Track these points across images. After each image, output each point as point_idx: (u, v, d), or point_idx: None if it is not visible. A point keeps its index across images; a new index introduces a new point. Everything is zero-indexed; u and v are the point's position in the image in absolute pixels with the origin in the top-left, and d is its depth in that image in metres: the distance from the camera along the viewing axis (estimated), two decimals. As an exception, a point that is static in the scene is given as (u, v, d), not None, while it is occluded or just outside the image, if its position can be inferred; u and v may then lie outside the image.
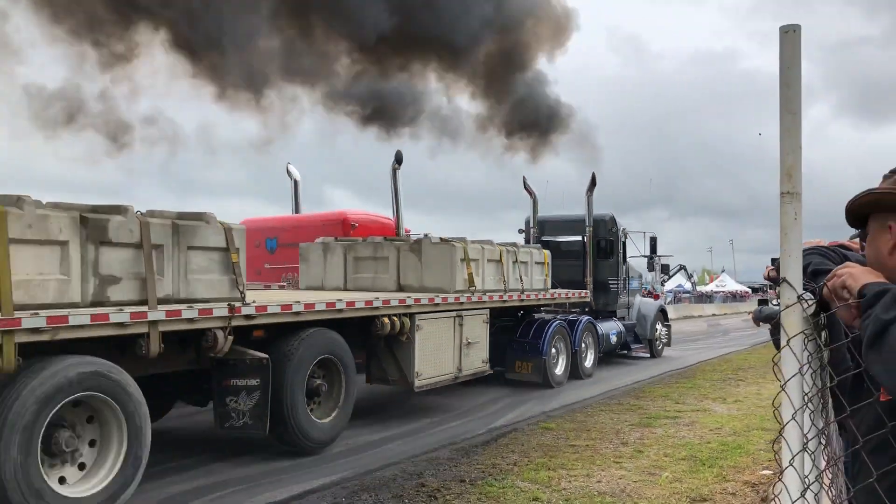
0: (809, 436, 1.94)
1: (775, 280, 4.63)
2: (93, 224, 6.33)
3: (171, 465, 8.02)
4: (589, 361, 15.52)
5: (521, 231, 18.03)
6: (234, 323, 7.38)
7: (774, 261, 4.94)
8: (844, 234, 3.24)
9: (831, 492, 2.14)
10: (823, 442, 2.11)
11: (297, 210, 16.86)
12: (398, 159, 13.05)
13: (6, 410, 5.48)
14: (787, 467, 1.92)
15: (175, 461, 8.18)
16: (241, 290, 7.53)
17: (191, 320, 6.95)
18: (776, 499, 2.05)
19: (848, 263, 2.00)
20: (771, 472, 7.45)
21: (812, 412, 1.96)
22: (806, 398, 1.93)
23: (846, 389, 2.03)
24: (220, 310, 7.21)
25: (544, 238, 17.20)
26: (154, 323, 6.60)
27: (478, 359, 11.74)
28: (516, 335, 13.99)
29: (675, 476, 7.38)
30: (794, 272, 2.00)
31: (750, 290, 67.24)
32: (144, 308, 6.56)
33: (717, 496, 6.75)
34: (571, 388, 13.99)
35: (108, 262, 6.46)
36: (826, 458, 2.15)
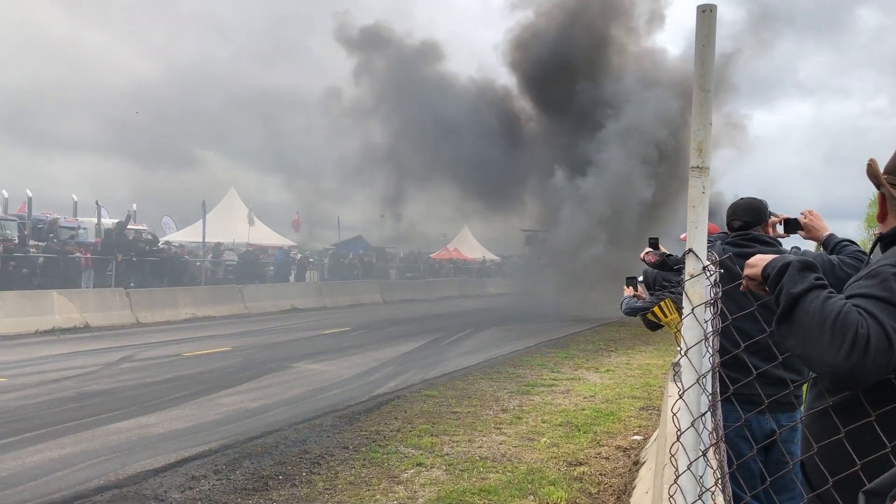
0: (710, 399, 2.03)
1: (653, 264, 4.71)
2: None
3: (37, 432, 7.57)
4: None
5: None
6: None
7: (652, 241, 4.90)
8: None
9: (717, 455, 2.26)
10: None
11: None
12: None
13: None
14: (687, 428, 2.01)
15: (42, 429, 7.73)
16: None
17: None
18: (672, 458, 2.15)
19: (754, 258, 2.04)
20: (641, 437, 7.86)
21: (712, 375, 2.05)
22: (711, 361, 2.02)
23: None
24: None
25: None
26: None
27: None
28: None
29: (553, 441, 7.65)
30: (699, 243, 2.07)
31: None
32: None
33: (591, 460, 7.05)
34: (451, 356, 14.22)
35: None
36: (713, 422, 2.28)
